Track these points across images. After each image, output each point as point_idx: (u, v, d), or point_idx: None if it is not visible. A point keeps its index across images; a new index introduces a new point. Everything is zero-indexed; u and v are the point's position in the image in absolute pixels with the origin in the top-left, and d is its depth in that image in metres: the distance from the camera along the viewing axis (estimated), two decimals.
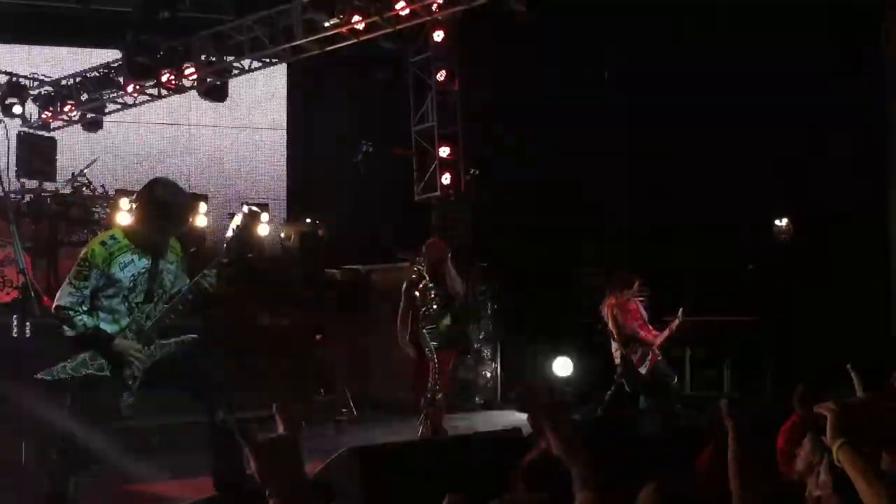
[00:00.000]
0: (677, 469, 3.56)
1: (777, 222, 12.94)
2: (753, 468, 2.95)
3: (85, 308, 4.77)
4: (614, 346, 9.17)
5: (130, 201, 8.71)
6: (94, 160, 11.42)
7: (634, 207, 12.64)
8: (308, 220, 12.02)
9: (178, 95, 12.57)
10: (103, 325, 4.82)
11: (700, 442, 3.64)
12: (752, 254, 12.41)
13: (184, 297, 5.03)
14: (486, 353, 11.54)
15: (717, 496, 2.92)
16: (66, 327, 4.79)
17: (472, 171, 11.76)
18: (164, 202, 4.93)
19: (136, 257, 4.90)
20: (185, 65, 11.68)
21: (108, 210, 9.90)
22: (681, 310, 9.28)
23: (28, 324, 4.45)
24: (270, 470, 2.10)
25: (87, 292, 4.77)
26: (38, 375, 4.75)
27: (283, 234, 12.37)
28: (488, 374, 11.50)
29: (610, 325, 9.11)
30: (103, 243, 4.86)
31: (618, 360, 9.14)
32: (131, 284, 4.87)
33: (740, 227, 12.24)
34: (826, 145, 11.97)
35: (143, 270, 4.93)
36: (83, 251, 4.89)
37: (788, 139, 12.06)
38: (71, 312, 4.72)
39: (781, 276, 11.74)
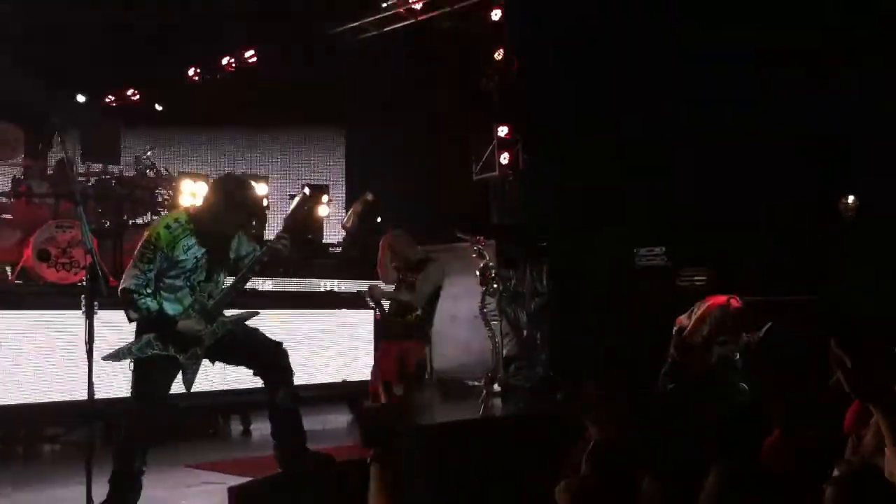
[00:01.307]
0: (740, 452, 3.52)
1: (844, 199, 12.64)
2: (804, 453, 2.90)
3: (149, 290, 4.85)
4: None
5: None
6: (156, 144, 11.58)
7: (696, 187, 12.43)
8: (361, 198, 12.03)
9: None
10: (166, 305, 4.90)
11: (763, 425, 3.59)
12: (816, 232, 12.13)
13: (257, 260, 5.11)
14: (538, 337, 11.39)
15: (782, 481, 2.89)
16: (130, 311, 4.88)
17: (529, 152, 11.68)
18: (234, 200, 5.02)
19: (198, 240, 4.98)
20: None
21: (171, 192, 10.06)
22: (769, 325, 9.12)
23: (96, 304, 4.54)
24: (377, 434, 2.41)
25: (151, 275, 4.85)
26: (104, 357, 4.85)
27: (344, 218, 12.39)
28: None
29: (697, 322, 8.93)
30: (168, 227, 4.93)
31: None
32: (193, 266, 4.95)
33: (803, 205, 11.98)
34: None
35: (206, 252, 5.00)
36: (147, 233, 4.97)
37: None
38: (135, 295, 4.80)
39: (846, 255, 11.47)
